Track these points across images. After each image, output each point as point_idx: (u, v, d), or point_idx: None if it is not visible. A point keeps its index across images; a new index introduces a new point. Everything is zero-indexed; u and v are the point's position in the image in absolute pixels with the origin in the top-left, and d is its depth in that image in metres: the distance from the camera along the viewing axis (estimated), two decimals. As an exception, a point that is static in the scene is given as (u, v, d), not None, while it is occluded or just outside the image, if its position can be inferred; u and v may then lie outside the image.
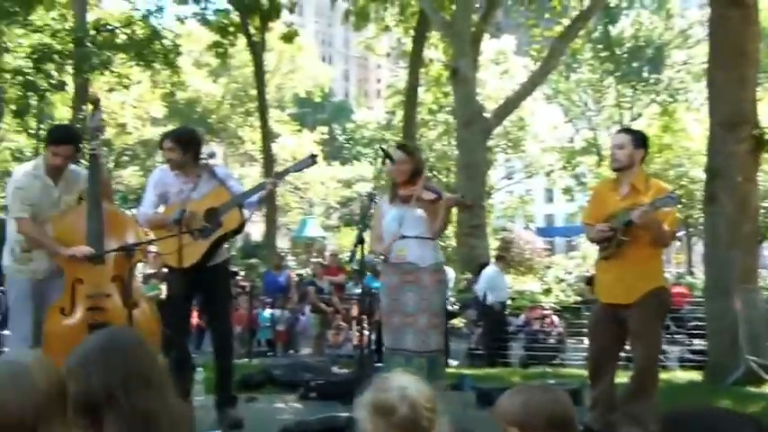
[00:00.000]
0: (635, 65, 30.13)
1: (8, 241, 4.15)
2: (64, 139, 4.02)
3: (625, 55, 29.79)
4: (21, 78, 17.05)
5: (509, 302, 10.23)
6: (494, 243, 23.17)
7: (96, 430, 1.71)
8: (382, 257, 4.15)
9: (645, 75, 30.35)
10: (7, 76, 18.94)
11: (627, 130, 4.24)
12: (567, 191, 31.82)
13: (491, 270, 9.67)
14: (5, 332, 9.16)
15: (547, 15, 19.92)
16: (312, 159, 4.34)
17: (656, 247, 3.88)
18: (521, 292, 12.36)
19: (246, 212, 4.30)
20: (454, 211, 5.91)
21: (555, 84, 30.66)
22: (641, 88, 30.28)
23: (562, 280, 14.60)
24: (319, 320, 9.84)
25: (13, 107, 18.40)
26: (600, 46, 29.38)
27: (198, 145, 4.28)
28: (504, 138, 30.18)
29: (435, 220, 4.06)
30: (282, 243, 28.04)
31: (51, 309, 3.97)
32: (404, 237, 4.02)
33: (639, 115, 29.56)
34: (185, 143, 4.18)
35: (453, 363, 8.22)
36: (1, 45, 19.24)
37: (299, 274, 13.31)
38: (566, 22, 17.51)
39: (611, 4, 26.31)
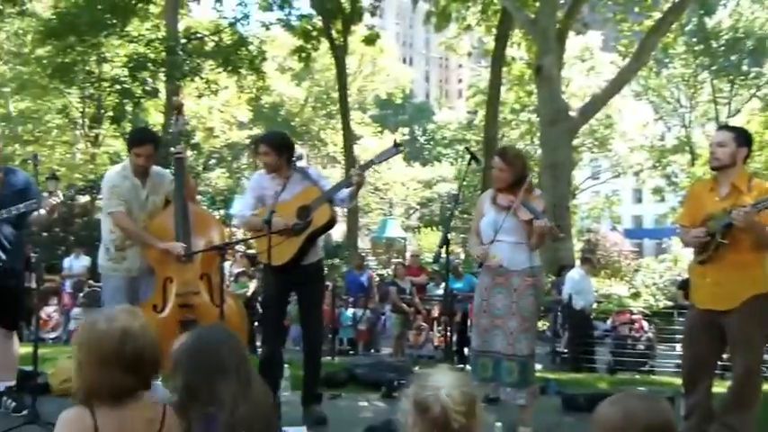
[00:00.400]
0: (733, 58, 28.49)
1: (103, 241, 4.38)
2: (143, 140, 4.24)
3: (722, 48, 28.22)
4: (118, 86, 17.98)
5: (594, 306, 9.88)
6: (579, 245, 22.52)
7: (187, 425, 1.83)
8: (478, 259, 4.07)
9: (744, 68, 28.65)
10: (106, 84, 20.08)
11: (729, 127, 3.99)
12: (657, 191, 30.59)
13: (576, 273, 9.38)
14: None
15: (636, 9, 19.16)
16: (396, 149, 4.31)
17: (758, 251, 3.59)
18: (607, 296, 11.94)
19: (340, 206, 4.36)
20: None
21: (645, 80, 29.49)
22: (740, 82, 28.63)
23: (654, 283, 13.98)
24: (400, 321, 9.84)
25: (111, 113, 19.45)
26: (694, 39, 28.01)
27: (291, 148, 4.36)
28: (591, 136, 29.37)
29: (533, 236, 3.93)
30: (363, 244, 28.30)
31: (145, 306, 4.15)
32: (497, 241, 3.93)
33: (738, 111, 28.01)
34: (279, 147, 4.26)
35: (537, 366, 8.02)
36: (100, 55, 20.44)
37: (379, 275, 13.38)
38: (656, 15, 16.79)
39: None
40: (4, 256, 4.04)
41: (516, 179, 3.99)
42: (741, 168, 3.68)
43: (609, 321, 8.79)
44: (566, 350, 8.76)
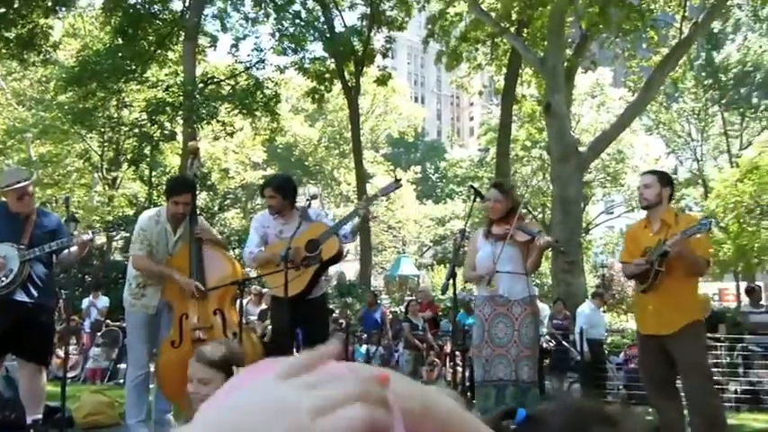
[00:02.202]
0: (743, 91, 28.67)
1: (127, 278, 4.57)
2: (182, 189, 4.46)
3: (731, 81, 28.42)
4: (137, 130, 18.44)
5: (608, 340, 9.88)
6: (593, 280, 22.41)
7: None
8: (475, 287, 4.24)
9: (755, 101, 28.79)
10: (125, 128, 20.59)
11: (653, 171, 4.45)
12: (672, 225, 30.37)
13: (587, 307, 9.43)
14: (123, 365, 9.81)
15: (644, 45, 19.43)
16: (397, 183, 4.56)
17: (691, 278, 3.99)
18: (621, 330, 11.89)
19: (343, 243, 4.57)
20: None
21: (655, 114, 29.67)
22: (750, 115, 28.74)
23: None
24: (413, 357, 9.87)
25: (129, 156, 19.89)
26: (703, 74, 28.24)
27: (294, 191, 4.66)
28: (603, 171, 29.44)
29: (528, 259, 4.15)
30: (377, 282, 28.34)
31: (164, 342, 4.33)
32: (497, 272, 4.12)
33: (749, 143, 28.02)
34: (283, 190, 4.55)
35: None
36: (120, 101, 21.01)
37: (393, 312, 13.43)
38: (664, 50, 17.02)
39: (715, 30, 25.33)
40: (36, 293, 4.22)
41: (510, 209, 4.25)
42: (668, 206, 4.13)
43: (621, 355, 8.78)
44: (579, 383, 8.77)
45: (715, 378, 6.27)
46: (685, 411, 4.06)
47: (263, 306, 9.94)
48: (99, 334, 11.03)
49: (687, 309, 3.93)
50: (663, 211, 4.07)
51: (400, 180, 4.67)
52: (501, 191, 4.37)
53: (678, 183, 28.69)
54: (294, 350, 5.11)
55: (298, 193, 4.79)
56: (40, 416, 4.31)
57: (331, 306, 12.66)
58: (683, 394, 4.11)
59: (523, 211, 4.46)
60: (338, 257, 4.54)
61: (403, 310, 12.24)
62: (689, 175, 29.66)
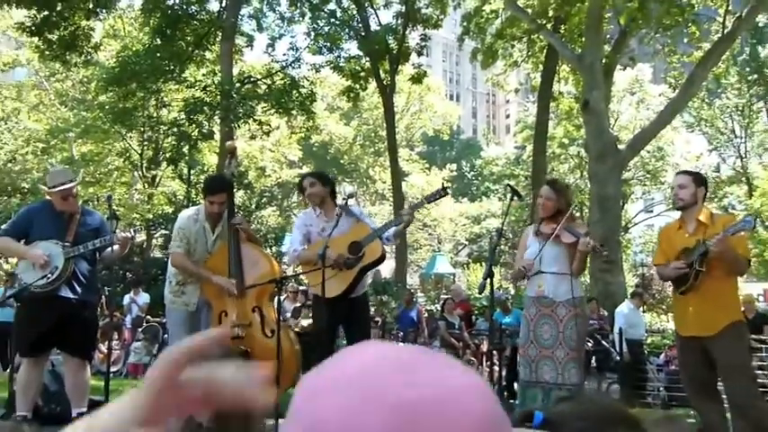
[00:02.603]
0: (788, 87, 27.83)
1: (167, 276, 4.65)
2: (218, 188, 4.51)
3: (776, 77, 27.61)
4: (175, 129, 18.74)
5: (648, 341, 9.69)
6: (632, 279, 22.01)
7: None
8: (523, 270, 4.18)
9: (800, 97, 27.92)
10: (164, 127, 20.94)
11: (687, 171, 4.35)
12: (714, 224, 29.67)
13: (625, 307, 9.28)
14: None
15: (685, 41, 19.00)
16: (444, 191, 4.50)
17: (731, 278, 3.94)
18: (662, 331, 11.66)
19: (385, 245, 4.56)
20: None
21: (697, 111, 28.99)
22: (796, 111, 27.90)
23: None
24: (450, 355, 9.82)
25: (168, 155, 20.23)
26: (747, 69, 27.49)
27: (333, 183, 4.63)
28: (642, 169, 28.92)
29: (575, 259, 4.10)
30: (412, 280, 28.32)
31: (203, 339, 4.38)
32: (541, 272, 4.07)
33: (795, 140, 27.23)
34: (324, 179, 4.64)
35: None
36: (159, 100, 21.38)
37: (428, 310, 13.41)
38: (706, 46, 16.62)
39: (760, 24, 24.64)
40: (80, 290, 4.33)
41: (560, 209, 4.18)
42: (703, 206, 4.06)
43: (662, 356, 8.60)
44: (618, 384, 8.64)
45: (760, 381, 6.11)
46: (728, 414, 3.96)
47: (298, 304, 10.02)
48: (140, 329, 11.26)
49: (728, 309, 3.88)
50: (698, 212, 4.01)
51: (447, 188, 4.61)
52: (553, 188, 4.32)
53: (721, 181, 28.06)
54: (334, 348, 5.14)
55: (335, 186, 4.81)
56: (85, 409, 4.40)
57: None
58: (724, 396, 4.03)
59: (574, 210, 4.37)
60: (381, 260, 4.56)
61: (439, 308, 12.21)
62: (732, 172, 28.93)
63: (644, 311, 10.24)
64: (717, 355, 3.80)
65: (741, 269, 3.98)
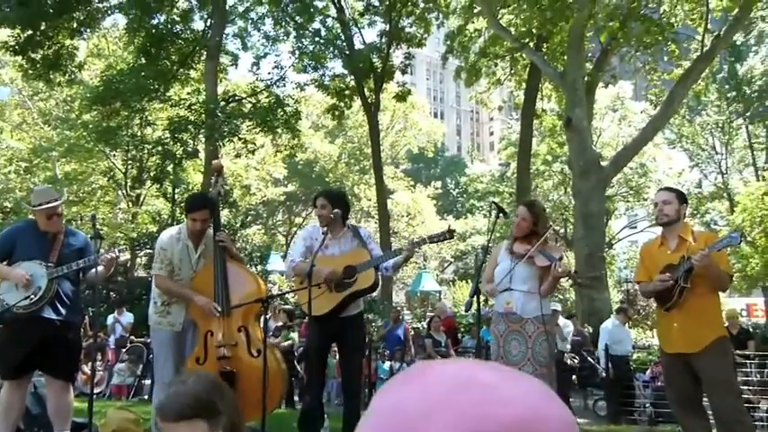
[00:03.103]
0: (768, 103, 28.32)
1: (152, 296, 4.61)
2: (200, 206, 4.48)
3: (755, 94, 28.09)
4: (160, 148, 18.66)
5: (634, 357, 9.72)
6: (617, 295, 22.13)
7: None
8: (491, 306, 4.23)
9: (780, 113, 28.38)
10: (148, 146, 20.85)
11: (670, 188, 4.35)
12: (697, 239, 29.93)
13: (610, 323, 9.33)
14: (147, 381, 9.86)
15: (665, 59, 19.31)
16: (449, 233, 4.52)
17: (714, 294, 3.97)
18: (647, 347, 11.71)
19: (384, 275, 4.56)
20: (572, 262, 5.84)
21: (678, 128, 29.40)
22: (775, 128, 28.34)
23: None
24: (436, 374, 9.80)
25: (153, 174, 20.13)
26: (726, 86, 27.95)
27: (347, 205, 4.63)
28: (626, 185, 29.20)
29: (545, 281, 4.15)
30: (398, 297, 28.27)
31: (189, 359, 4.36)
32: (510, 290, 4.12)
33: (775, 156, 27.64)
34: (335, 201, 4.56)
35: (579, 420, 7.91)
36: (143, 119, 21.32)
37: (414, 328, 13.37)
38: (686, 64, 16.90)
39: (737, 42, 25.09)
40: (63, 311, 4.28)
41: (535, 231, 4.24)
42: (684, 223, 4.10)
43: (648, 372, 8.63)
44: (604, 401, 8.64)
45: (745, 396, 6.15)
46: (714, 430, 3.98)
47: (280, 323, 9.96)
48: (124, 350, 11.12)
49: (713, 325, 3.90)
50: (680, 229, 4.03)
51: (453, 231, 4.63)
52: (530, 210, 4.36)
53: (702, 197, 28.38)
54: (324, 366, 5.12)
55: (349, 209, 4.79)
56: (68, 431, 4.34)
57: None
58: (710, 412, 4.05)
59: (550, 233, 4.41)
60: (373, 289, 4.57)
61: (425, 326, 12.18)
62: (713, 188, 29.29)
63: (629, 327, 10.24)
64: (702, 372, 3.82)
65: (724, 285, 4.01)
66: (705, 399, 4.07)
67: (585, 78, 15.56)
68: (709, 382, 3.82)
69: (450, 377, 0.51)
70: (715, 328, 3.90)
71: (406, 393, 0.50)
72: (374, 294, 21.34)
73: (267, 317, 7.07)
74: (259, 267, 16.99)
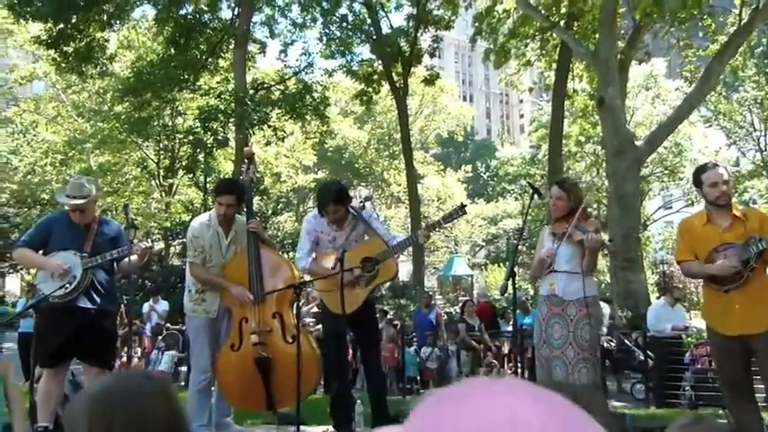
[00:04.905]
0: (808, 78, 27.41)
1: (186, 284, 4.63)
2: (225, 190, 4.48)
3: (795, 68, 27.20)
4: (191, 137, 18.84)
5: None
6: (652, 277, 21.73)
7: None
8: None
9: (820, 88, 27.45)
10: (180, 136, 21.07)
11: (721, 165, 4.09)
12: (735, 219, 29.29)
13: (658, 304, 9.19)
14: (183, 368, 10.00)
15: (701, 34, 18.77)
16: (461, 209, 4.42)
17: None
18: (685, 328, 11.46)
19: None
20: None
21: (714, 105, 28.63)
22: (817, 103, 27.42)
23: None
24: (471, 358, 9.74)
25: (184, 163, 20.36)
26: (766, 61, 27.09)
27: (349, 195, 4.55)
28: (660, 165, 28.62)
29: (584, 258, 4.05)
30: (430, 282, 28.23)
31: (224, 345, 4.38)
32: (554, 271, 4.02)
33: (816, 132, 26.78)
34: (346, 198, 4.45)
35: (619, 403, 7.79)
36: (174, 109, 21.53)
37: (447, 312, 13.32)
38: (722, 38, 16.41)
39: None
40: (98, 300, 4.32)
41: (573, 208, 4.12)
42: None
43: (688, 354, 8.43)
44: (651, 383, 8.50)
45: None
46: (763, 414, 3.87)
47: (316, 309, 9.99)
48: (160, 337, 11.28)
49: None
50: (731, 206, 3.86)
51: (465, 206, 4.52)
52: (562, 188, 4.25)
53: (741, 175, 27.68)
54: (345, 355, 5.11)
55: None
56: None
57: (385, 308, 12.64)
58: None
59: (586, 206, 4.29)
60: (394, 278, 4.52)
61: (458, 310, 12.12)
62: (752, 166, 28.51)
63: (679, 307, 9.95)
64: (763, 352, 3.66)
65: None
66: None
67: (618, 56, 15.21)
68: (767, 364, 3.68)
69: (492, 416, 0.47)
70: None
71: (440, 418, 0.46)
72: (406, 279, 21.32)
73: (301, 303, 7.10)
74: (290, 254, 17.11)
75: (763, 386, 3.93)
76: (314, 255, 4.52)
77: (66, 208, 4.38)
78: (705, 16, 16.96)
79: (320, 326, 9.29)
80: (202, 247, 4.46)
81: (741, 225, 3.77)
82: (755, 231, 3.67)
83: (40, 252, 4.37)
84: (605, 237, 4.10)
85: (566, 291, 4.03)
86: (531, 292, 14.92)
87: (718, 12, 17.84)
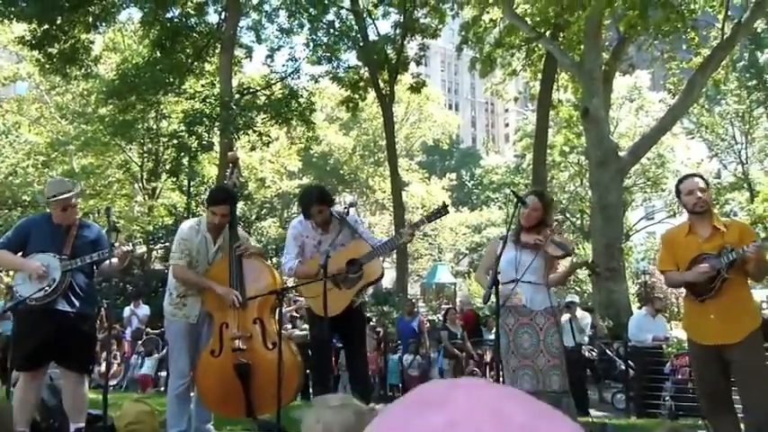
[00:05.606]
0: (788, 92, 27.81)
1: (168, 288, 4.58)
2: (222, 200, 4.44)
3: (775, 83, 27.59)
4: (175, 141, 18.72)
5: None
6: (634, 287, 21.90)
7: None
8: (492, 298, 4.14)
9: (801, 102, 27.88)
10: (164, 139, 20.93)
11: (699, 175, 4.20)
12: (716, 230, 29.61)
13: (639, 314, 9.27)
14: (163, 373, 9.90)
15: (684, 47, 19.01)
16: (444, 209, 4.44)
17: (747, 284, 3.88)
18: (665, 339, 11.55)
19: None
20: (589, 254, 5.76)
21: (697, 117, 28.98)
22: (797, 117, 27.87)
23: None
24: (452, 365, 9.74)
25: (168, 167, 20.21)
26: (747, 75, 27.48)
27: (331, 198, 4.60)
28: (643, 176, 28.89)
29: (551, 271, 4.12)
30: (413, 290, 28.22)
31: (204, 351, 4.34)
32: (519, 281, 4.04)
33: (796, 146, 27.19)
34: (329, 201, 4.54)
35: (599, 413, 7.82)
36: (158, 112, 21.39)
37: (430, 320, 13.32)
38: (705, 52, 16.62)
39: (758, 30, 24.67)
40: (77, 303, 4.27)
41: (543, 220, 4.21)
42: (712, 211, 4.00)
43: (668, 365, 8.50)
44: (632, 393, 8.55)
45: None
46: (742, 425, 3.88)
47: (295, 313, 9.95)
48: (140, 342, 11.17)
49: (752, 315, 3.82)
50: (711, 217, 3.92)
51: (447, 206, 4.55)
52: (541, 200, 4.30)
53: (722, 187, 28.01)
54: (331, 361, 5.10)
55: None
56: (83, 424, 4.33)
57: (368, 314, 12.60)
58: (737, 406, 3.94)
59: (555, 223, 4.38)
60: (379, 280, 4.53)
61: (441, 318, 12.12)
62: (733, 179, 28.89)
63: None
64: (738, 363, 3.69)
65: (765, 275, 3.97)
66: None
67: (603, 68, 15.36)
68: (745, 372, 3.70)
69: (479, 407, 0.46)
70: (754, 318, 3.80)
71: (428, 418, 0.45)
72: (389, 287, 21.29)
73: (282, 309, 7.05)
74: (274, 260, 17.02)
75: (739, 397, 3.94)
76: (300, 259, 4.52)
77: (50, 210, 4.33)
78: (689, 29, 17.18)
79: (294, 330, 9.29)
80: (189, 250, 4.43)
81: (720, 236, 3.81)
82: (734, 243, 3.71)
83: (19, 254, 4.31)
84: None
85: (532, 301, 4.10)
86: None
87: (702, 25, 18.08)
